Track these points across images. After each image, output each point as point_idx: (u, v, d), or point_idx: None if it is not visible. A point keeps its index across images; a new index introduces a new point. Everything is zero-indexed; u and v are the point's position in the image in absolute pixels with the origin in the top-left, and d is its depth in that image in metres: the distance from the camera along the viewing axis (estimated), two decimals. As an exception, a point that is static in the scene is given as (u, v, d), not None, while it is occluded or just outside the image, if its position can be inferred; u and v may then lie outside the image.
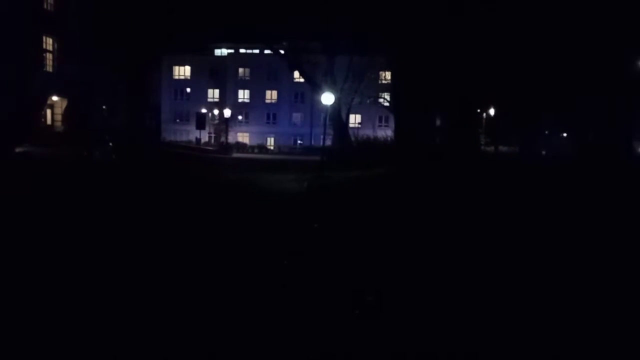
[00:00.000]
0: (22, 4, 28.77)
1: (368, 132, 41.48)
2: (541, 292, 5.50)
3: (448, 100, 16.59)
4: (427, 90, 17.25)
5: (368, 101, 42.62)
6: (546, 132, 39.45)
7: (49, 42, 32.01)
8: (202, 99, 62.84)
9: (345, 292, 5.51)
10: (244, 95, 63.85)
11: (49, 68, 32.21)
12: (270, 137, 63.17)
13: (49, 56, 32.17)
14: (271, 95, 63.85)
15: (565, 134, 37.75)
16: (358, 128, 46.13)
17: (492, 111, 36.71)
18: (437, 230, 8.45)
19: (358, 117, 56.28)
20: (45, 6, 31.65)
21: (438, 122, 18.62)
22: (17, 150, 21.41)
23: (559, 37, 19.12)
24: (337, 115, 35.51)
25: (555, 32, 18.94)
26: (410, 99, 17.70)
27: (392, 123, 24.38)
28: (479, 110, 32.36)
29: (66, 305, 5.05)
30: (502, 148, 31.72)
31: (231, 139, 54.92)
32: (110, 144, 23.83)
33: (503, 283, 5.80)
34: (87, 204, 11.20)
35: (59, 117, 33.72)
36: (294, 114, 63.69)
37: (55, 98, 32.97)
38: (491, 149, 30.63)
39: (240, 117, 62.05)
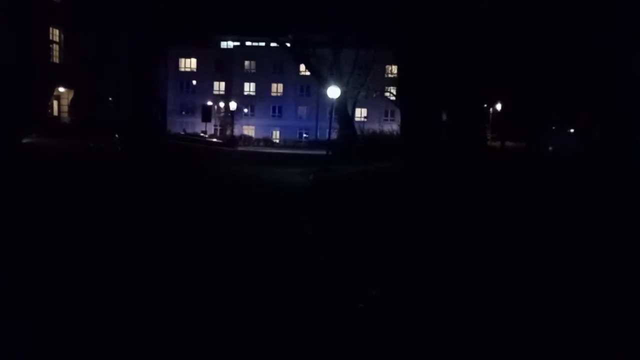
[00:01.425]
0: (29, -5, 28.80)
1: (374, 126, 41.36)
2: (542, 292, 5.47)
3: (455, 95, 16.51)
4: (434, 85, 17.18)
5: (374, 95, 42.49)
6: (553, 128, 39.24)
7: (55, 33, 32.05)
8: (208, 92, 62.80)
9: (349, 286, 5.50)
10: (249, 88, 63.75)
11: (56, 59, 32.27)
12: (276, 130, 63.09)
13: (56, 47, 32.22)
14: (277, 88, 63.72)
15: (572, 130, 37.55)
16: (364, 122, 45.98)
17: (498, 106, 36.58)
18: (440, 226, 8.41)
19: (364, 111, 56.12)
20: (52, -3, 31.70)
21: (444, 117, 18.54)
22: (24, 141, 21.47)
23: (567, 31, 18.96)
24: (343, 109, 35.42)
25: (564, 26, 18.78)
26: (417, 93, 17.63)
27: (398, 117, 24.34)
28: (485, 105, 32.22)
29: (66, 296, 5.07)
30: (508, 143, 31.59)
31: (237, 131, 54.90)
32: (117, 135, 23.88)
33: (505, 284, 5.78)
34: (92, 194, 11.22)
35: (65, 109, 33.85)
36: (300, 107, 63.56)
37: (61, 89, 33.08)
38: (497, 144, 30.51)
39: (245, 110, 62.01)
